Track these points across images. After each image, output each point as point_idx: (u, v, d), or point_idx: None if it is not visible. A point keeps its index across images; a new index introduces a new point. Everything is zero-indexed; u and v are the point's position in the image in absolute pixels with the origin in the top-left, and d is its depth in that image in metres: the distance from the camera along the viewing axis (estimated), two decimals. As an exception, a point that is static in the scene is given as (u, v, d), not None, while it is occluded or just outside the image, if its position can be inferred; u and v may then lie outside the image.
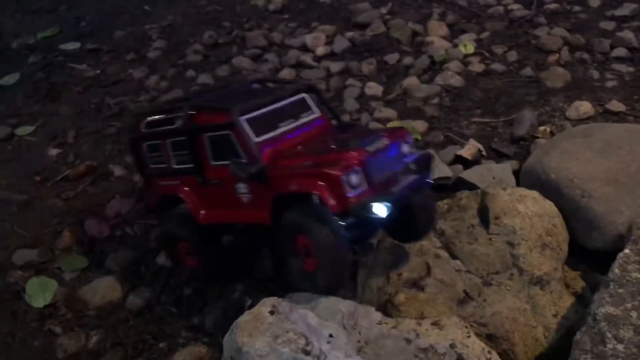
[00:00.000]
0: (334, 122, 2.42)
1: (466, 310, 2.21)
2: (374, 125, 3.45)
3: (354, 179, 1.89)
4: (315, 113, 2.33)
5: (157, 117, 2.41)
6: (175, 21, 4.86)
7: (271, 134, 2.14)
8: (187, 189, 2.37)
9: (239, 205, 2.19)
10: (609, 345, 1.76)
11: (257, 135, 2.10)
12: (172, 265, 2.63)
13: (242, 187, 2.15)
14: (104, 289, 2.66)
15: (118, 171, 3.40)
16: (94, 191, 3.29)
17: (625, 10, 4.23)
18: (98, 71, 4.36)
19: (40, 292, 2.68)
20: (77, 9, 5.40)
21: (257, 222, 2.15)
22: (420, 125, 3.42)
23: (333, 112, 2.40)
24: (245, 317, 1.78)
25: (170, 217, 2.54)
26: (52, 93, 4.20)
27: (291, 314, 1.78)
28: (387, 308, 2.26)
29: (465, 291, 2.29)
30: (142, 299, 2.59)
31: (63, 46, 4.80)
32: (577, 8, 4.39)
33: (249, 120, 2.10)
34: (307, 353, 1.64)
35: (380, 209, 1.87)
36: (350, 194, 1.87)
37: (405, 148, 2.13)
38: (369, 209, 1.86)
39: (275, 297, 1.87)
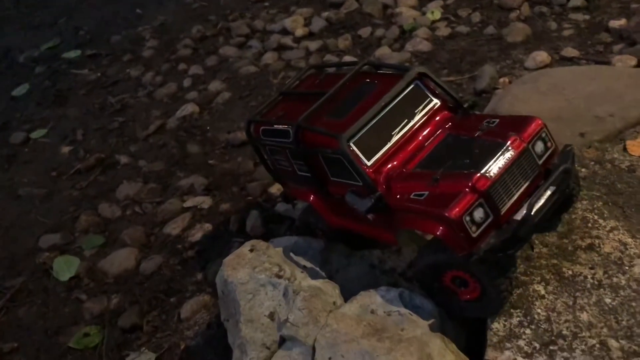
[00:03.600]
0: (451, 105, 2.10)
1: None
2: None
3: (478, 214, 1.69)
4: (432, 102, 2.05)
5: (270, 127, 2.24)
6: (166, 20, 5.21)
7: (385, 149, 1.94)
8: (313, 196, 2.23)
9: (365, 221, 2.05)
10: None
11: (369, 156, 1.92)
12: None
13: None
14: (120, 260, 3.05)
15: (124, 159, 3.77)
16: (105, 179, 3.68)
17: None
18: (99, 74, 4.74)
19: (65, 268, 3.08)
20: (75, 20, 5.78)
21: (384, 241, 2.07)
22: (392, 89, 3.73)
23: (451, 95, 2.07)
24: (229, 257, 2.14)
25: (309, 207, 2.36)
26: (59, 98, 4.60)
27: (268, 250, 2.14)
28: (360, 246, 2.61)
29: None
30: (153, 264, 2.96)
31: (65, 55, 5.19)
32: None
33: (359, 143, 1.91)
34: (280, 277, 1.99)
35: (514, 246, 1.70)
36: (477, 232, 1.68)
37: (540, 146, 1.83)
38: (500, 249, 1.68)
39: (255, 239, 2.22)
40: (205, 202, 3.26)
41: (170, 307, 2.72)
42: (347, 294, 2.11)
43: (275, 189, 3.21)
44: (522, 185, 1.78)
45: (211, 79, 4.30)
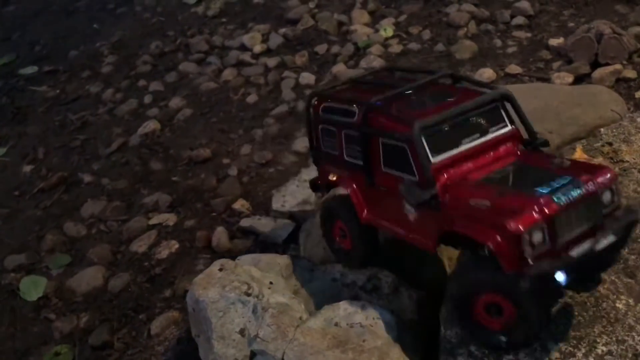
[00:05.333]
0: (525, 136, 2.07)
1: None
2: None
3: (537, 237, 1.65)
4: (507, 127, 2.02)
5: (335, 104, 2.23)
6: (124, 36, 5.26)
7: (451, 153, 1.91)
8: (354, 185, 2.22)
9: (403, 222, 2.03)
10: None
11: (435, 153, 1.89)
12: (326, 243, 2.50)
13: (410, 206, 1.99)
14: (87, 278, 3.11)
15: (87, 178, 3.83)
16: (68, 198, 3.72)
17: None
18: (58, 91, 4.76)
19: (32, 288, 3.12)
20: (30, 34, 5.75)
21: (419, 246, 2.01)
22: (348, 105, 3.91)
23: (528, 126, 2.05)
24: (200, 276, 2.25)
25: (336, 195, 2.34)
26: (18, 116, 4.60)
27: (236, 269, 2.26)
28: (322, 259, 2.75)
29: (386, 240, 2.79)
30: (121, 282, 3.04)
31: (22, 71, 5.17)
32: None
33: (428, 137, 1.88)
34: (248, 295, 2.12)
35: (559, 277, 1.67)
36: (529, 254, 1.64)
37: (607, 196, 1.79)
38: (546, 276, 1.65)
39: (224, 259, 2.34)
40: (170, 219, 3.36)
41: (140, 324, 2.81)
42: (312, 308, 2.26)
43: (239, 204, 3.34)
44: (583, 227, 1.74)
45: (172, 95, 4.38)
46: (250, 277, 2.25)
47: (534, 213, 1.65)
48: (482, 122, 1.99)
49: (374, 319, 2.07)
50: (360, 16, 4.73)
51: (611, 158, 2.63)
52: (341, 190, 2.29)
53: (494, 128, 2.00)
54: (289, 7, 5.03)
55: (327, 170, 2.38)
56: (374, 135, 2.04)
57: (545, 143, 2.06)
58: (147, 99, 4.41)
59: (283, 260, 2.47)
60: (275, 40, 4.68)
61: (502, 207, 1.70)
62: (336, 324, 2.04)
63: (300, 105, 4.00)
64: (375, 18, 4.72)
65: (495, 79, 3.83)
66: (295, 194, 3.25)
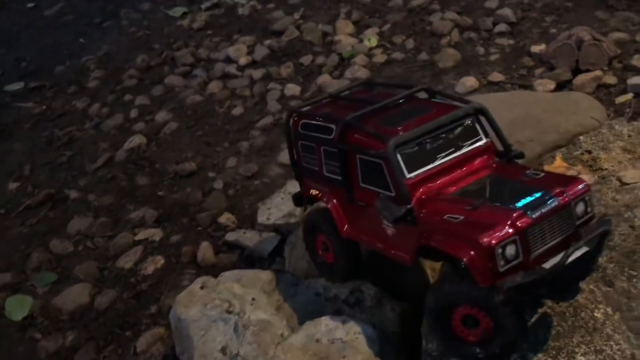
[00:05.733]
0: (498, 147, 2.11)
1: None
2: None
3: (510, 251, 1.69)
4: (482, 140, 2.05)
5: (314, 121, 2.26)
6: (110, 50, 5.26)
7: (426, 168, 1.94)
8: (334, 200, 2.24)
9: (382, 236, 2.06)
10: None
11: (411, 169, 1.92)
12: (310, 257, 2.53)
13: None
14: (73, 296, 3.11)
15: (74, 194, 3.82)
16: (55, 215, 3.72)
17: (506, -11, 4.78)
18: (44, 107, 4.76)
19: (18, 308, 3.11)
20: (15, 50, 5.75)
21: (397, 260, 2.04)
22: (333, 116, 3.93)
23: (502, 139, 2.08)
24: (182, 294, 2.26)
25: (317, 209, 2.42)
26: (4, 133, 4.60)
27: (217, 286, 2.27)
28: (307, 272, 2.76)
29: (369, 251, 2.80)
30: (107, 299, 3.04)
31: (7, 88, 5.17)
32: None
33: (403, 153, 1.92)
34: (230, 312, 2.13)
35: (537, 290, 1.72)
36: (503, 268, 1.68)
37: (580, 208, 1.83)
38: (523, 290, 1.68)
39: (205, 276, 2.35)
40: (156, 234, 3.36)
41: (126, 341, 2.81)
42: (295, 323, 2.26)
43: (224, 218, 3.35)
44: (556, 239, 1.79)
45: (157, 109, 4.39)
46: (232, 295, 2.26)
47: (506, 227, 1.69)
48: (457, 136, 2.02)
49: (355, 334, 2.08)
50: (344, 26, 4.75)
51: (590, 166, 2.66)
52: (322, 205, 2.33)
53: (468, 142, 2.03)
54: (273, 18, 5.05)
55: (308, 185, 2.41)
56: (351, 152, 2.07)
57: (520, 155, 2.09)
58: (133, 113, 4.42)
59: (266, 275, 2.48)
60: (261, 52, 4.70)
61: (476, 222, 1.74)
62: (317, 340, 2.05)
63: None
64: (360, 28, 4.75)
65: (478, 87, 3.85)
66: (280, 207, 3.26)
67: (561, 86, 3.65)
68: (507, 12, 4.44)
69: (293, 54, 4.61)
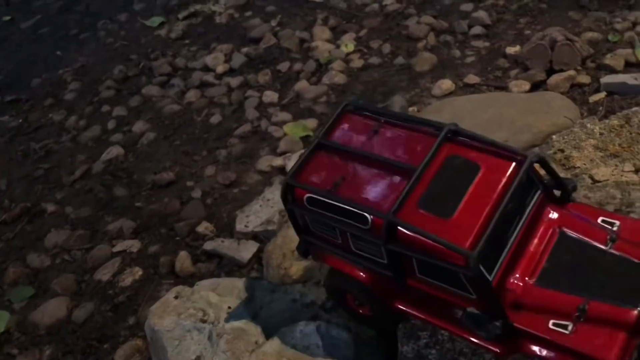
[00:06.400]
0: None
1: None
2: (272, 129, 3.94)
3: (634, 356, 1.55)
4: (538, 191, 1.78)
5: (327, 200, 1.81)
6: (87, 62, 5.23)
7: (503, 256, 1.66)
8: (372, 277, 1.90)
9: (453, 320, 1.78)
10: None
11: (490, 269, 1.62)
12: (343, 309, 2.23)
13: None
14: (51, 310, 3.07)
15: (51, 207, 3.78)
16: (32, 229, 3.68)
17: (480, -8, 4.82)
18: (20, 120, 4.71)
19: (-6, 324, 3.08)
20: (-9, 63, 5.69)
21: (482, 348, 1.80)
22: (311, 122, 3.93)
23: (562, 185, 1.81)
24: (156, 305, 2.24)
25: (347, 278, 1.99)
26: (-20, 147, 4.54)
27: (192, 296, 2.25)
28: (284, 279, 2.75)
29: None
30: (85, 312, 3.01)
31: (-16, 102, 5.12)
32: (442, -5, 4.95)
33: (483, 260, 1.58)
34: (204, 321, 2.11)
35: None
36: None
37: None
38: None
39: (180, 286, 2.33)
40: (134, 245, 3.33)
41: (104, 354, 2.78)
42: (272, 330, 2.25)
43: (203, 227, 3.33)
44: None
45: (135, 119, 4.36)
46: (207, 303, 2.24)
47: (627, 334, 1.52)
48: (517, 199, 1.69)
49: (330, 338, 2.07)
50: (321, 32, 4.76)
51: (563, 165, 2.67)
52: (354, 273, 1.95)
53: (528, 199, 1.74)
54: (250, 26, 5.04)
55: (323, 252, 2.01)
56: (407, 255, 1.70)
57: (575, 188, 1.84)
58: (111, 124, 4.38)
59: (242, 283, 2.47)
60: (238, 59, 4.69)
61: (589, 331, 1.54)
62: (292, 347, 2.04)
63: (264, 124, 4.01)
64: (337, 34, 4.75)
65: (454, 89, 3.87)
66: (258, 214, 3.25)
67: (536, 86, 3.68)
68: (482, 14, 4.47)
69: (270, 61, 4.60)
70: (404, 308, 1.93)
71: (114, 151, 4.07)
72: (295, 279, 2.66)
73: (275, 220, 3.16)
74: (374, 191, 1.78)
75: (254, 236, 3.15)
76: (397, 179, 1.78)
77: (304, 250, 2.13)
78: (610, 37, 3.90)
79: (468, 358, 2.00)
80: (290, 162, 3.58)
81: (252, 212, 3.27)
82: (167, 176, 3.73)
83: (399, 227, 1.68)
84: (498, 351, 1.75)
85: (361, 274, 1.93)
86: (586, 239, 1.73)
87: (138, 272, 3.13)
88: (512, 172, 1.70)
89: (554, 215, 1.79)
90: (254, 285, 2.48)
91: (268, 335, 2.18)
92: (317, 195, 1.84)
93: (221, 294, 2.37)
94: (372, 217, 1.72)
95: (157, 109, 4.42)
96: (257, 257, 3.03)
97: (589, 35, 3.96)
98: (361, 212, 1.74)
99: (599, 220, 1.78)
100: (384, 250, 1.74)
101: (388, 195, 1.75)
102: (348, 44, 4.57)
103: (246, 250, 3.08)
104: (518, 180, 1.66)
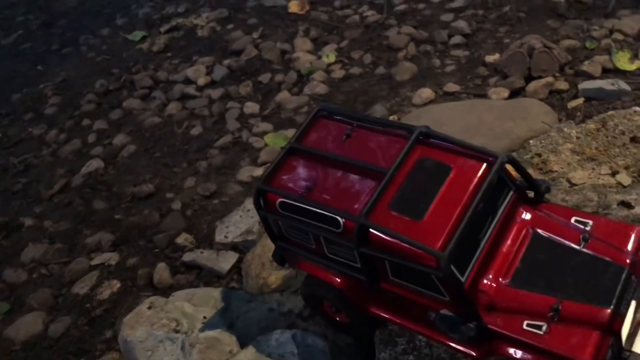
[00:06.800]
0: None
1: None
2: (253, 139, 3.92)
3: (608, 356, 1.52)
4: (510, 192, 1.75)
5: (299, 204, 1.79)
6: (69, 76, 5.20)
7: (475, 257, 1.63)
8: (343, 281, 1.89)
9: (429, 324, 1.76)
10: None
11: (462, 270, 1.60)
12: (319, 316, 2.22)
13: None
14: (26, 325, 3.01)
15: (29, 222, 3.73)
16: (9, 244, 3.62)
17: (460, 2, 4.85)
18: (0, 135, 4.67)
19: (-31, 340, 3.01)
20: (-29, 79, 5.65)
21: (458, 353, 1.79)
22: (292, 133, 3.90)
23: (532, 181, 1.79)
24: (129, 316, 2.20)
25: (310, 279, 2.04)
26: (-42, 163, 4.49)
27: (166, 306, 2.21)
28: (262, 288, 2.72)
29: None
30: (61, 326, 2.95)
31: (-37, 117, 5.07)
32: (421, 6, 4.97)
33: (455, 261, 1.56)
34: (177, 331, 2.07)
35: None
36: None
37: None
38: None
39: (154, 296, 2.29)
40: (112, 258, 3.29)
41: (81, 369, 2.73)
42: (248, 339, 2.21)
43: (182, 238, 3.29)
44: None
45: (116, 132, 4.33)
46: (181, 314, 2.20)
47: (600, 334, 1.52)
48: (489, 199, 1.67)
49: (306, 347, 2.04)
50: (302, 44, 4.76)
51: (540, 169, 2.67)
52: (329, 279, 1.93)
53: (501, 200, 1.72)
54: (232, 38, 5.04)
55: (297, 259, 2.01)
56: (379, 258, 1.68)
57: (548, 189, 1.82)
58: (91, 137, 4.35)
59: (218, 293, 2.43)
60: (220, 72, 4.68)
61: (563, 331, 1.53)
62: (268, 355, 2.00)
63: (245, 135, 3.99)
64: (318, 45, 4.76)
65: (434, 98, 3.87)
66: (238, 224, 3.22)
67: (515, 93, 3.69)
68: (462, 24, 4.49)
69: (252, 73, 4.60)
70: (380, 313, 1.92)
71: (94, 164, 4.03)
72: (273, 288, 2.63)
73: (255, 230, 3.13)
74: (346, 194, 1.76)
75: (234, 247, 3.12)
76: (369, 182, 1.76)
77: (279, 258, 2.11)
78: (587, 44, 3.94)
79: (445, 363, 1.97)
80: (271, 172, 3.56)
81: (232, 223, 3.24)
82: (147, 188, 3.69)
83: (371, 230, 1.66)
84: (474, 354, 1.74)
85: (336, 279, 1.92)
86: (559, 238, 1.71)
87: (116, 284, 3.09)
88: (483, 172, 1.69)
89: (526, 215, 1.77)
90: (230, 295, 2.45)
91: (243, 345, 2.14)
92: (289, 200, 1.82)
93: (197, 304, 2.33)
94: (344, 220, 1.71)
95: (137, 121, 4.40)
96: (237, 267, 2.99)
97: (567, 42, 3.98)
98: (333, 216, 1.72)
99: (572, 220, 1.76)
100: (356, 253, 1.73)
101: (360, 198, 1.73)
102: (329, 55, 4.57)
103: (225, 261, 3.04)
104: (489, 181, 1.66)
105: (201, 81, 4.63)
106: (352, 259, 1.78)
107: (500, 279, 1.67)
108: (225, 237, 3.16)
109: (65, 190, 3.91)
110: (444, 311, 1.64)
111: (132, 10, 6.03)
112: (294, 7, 5.29)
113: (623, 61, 3.69)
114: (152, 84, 4.76)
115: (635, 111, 2.76)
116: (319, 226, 1.77)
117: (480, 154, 1.74)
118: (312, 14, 5.15)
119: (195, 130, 4.15)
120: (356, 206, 1.71)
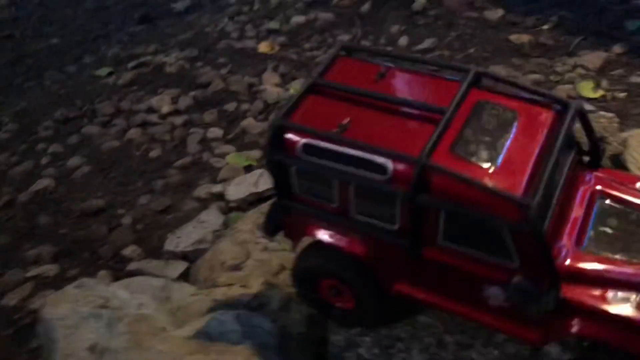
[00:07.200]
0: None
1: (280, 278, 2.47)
2: (214, 160, 3.77)
3: None
4: (574, 148, 1.62)
5: (332, 146, 1.50)
6: (28, 106, 5.05)
7: (548, 217, 1.42)
8: (372, 251, 1.60)
9: (480, 305, 1.51)
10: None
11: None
12: (308, 304, 1.92)
13: (497, 292, 1.46)
14: (-55, 337, 2.69)
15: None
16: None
17: (426, 44, 4.91)
18: (-55, 158, 4.43)
19: None
20: None
21: (513, 336, 1.55)
22: (256, 153, 3.79)
23: (596, 143, 1.62)
24: (51, 295, 1.94)
25: (315, 249, 1.72)
26: None
27: (97, 286, 1.97)
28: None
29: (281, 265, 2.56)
30: (-16, 337, 2.64)
31: None
32: (389, 48, 5.02)
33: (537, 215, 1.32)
34: (105, 307, 1.83)
35: None
36: None
37: None
38: None
39: (86, 278, 2.05)
40: (51, 270, 3.02)
41: (-1, 380, 2.41)
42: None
43: (130, 250, 3.05)
44: None
45: (71, 155, 4.14)
46: (112, 295, 1.96)
47: None
48: (563, 153, 1.49)
49: (251, 326, 1.81)
50: (271, 78, 4.73)
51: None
52: (350, 248, 1.62)
53: (567, 157, 1.54)
54: (200, 74, 4.99)
55: (306, 225, 1.67)
56: (433, 215, 1.42)
57: (604, 150, 1.68)
58: (45, 160, 4.15)
59: (158, 282, 2.20)
60: (185, 102, 4.58)
61: None
62: (205, 333, 1.77)
63: (206, 156, 3.84)
64: (286, 79, 4.73)
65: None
66: (190, 235, 3.02)
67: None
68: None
69: (217, 102, 4.51)
70: (411, 292, 1.60)
71: (44, 182, 3.81)
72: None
73: (208, 239, 2.93)
74: (392, 136, 1.47)
75: (184, 256, 2.89)
76: (419, 123, 1.49)
77: (274, 225, 1.75)
78: (552, 77, 3.97)
79: (406, 343, 1.76)
80: (231, 188, 3.40)
81: (184, 234, 3.04)
82: (97, 203, 3.48)
83: (432, 176, 1.38)
84: (534, 338, 1.47)
85: (359, 248, 1.60)
86: (632, 203, 1.54)
87: (50, 295, 2.80)
88: (554, 119, 1.50)
89: (589, 178, 1.60)
90: (173, 286, 2.22)
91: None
92: (320, 140, 1.49)
93: (133, 292, 2.09)
94: (393, 165, 1.42)
95: (95, 145, 4.22)
96: (186, 275, 2.76)
97: (532, 77, 4.02)
98: (377, 160, 1.43)
99: (637, 185, 1.61)
100: (405, 208, 1.42)
101: (411, 140, 1.45)
102: (297, 88, 4.54)
103: (174, 270, 2.80)
104: (566, 127, 1.46)
105: (165, 109, 4.51)
106: (389, 219, 1.50)
107: (573, 244, 1.46)
108: (176, 246, 2.95)
109: (8, 207, 3.66)
110: (517, 278, 1.36)
111: (102, 50, 6.00)
112: (263, 48, 5.30)
113: (587, 90, 3.72)
114: (114, 111, 4.62)
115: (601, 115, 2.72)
116: (356, 174, 1.47)
117: (547, 100, 1.55)
118: (282, 53, 5.16)
119: (154, 153, 3.99)
120: (409, 149, 1.42)
